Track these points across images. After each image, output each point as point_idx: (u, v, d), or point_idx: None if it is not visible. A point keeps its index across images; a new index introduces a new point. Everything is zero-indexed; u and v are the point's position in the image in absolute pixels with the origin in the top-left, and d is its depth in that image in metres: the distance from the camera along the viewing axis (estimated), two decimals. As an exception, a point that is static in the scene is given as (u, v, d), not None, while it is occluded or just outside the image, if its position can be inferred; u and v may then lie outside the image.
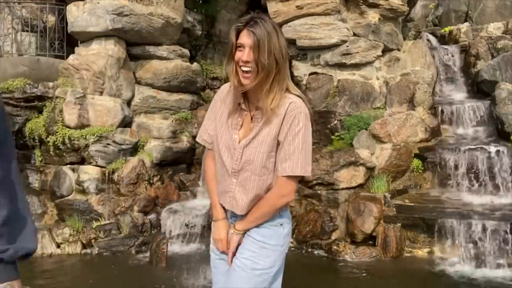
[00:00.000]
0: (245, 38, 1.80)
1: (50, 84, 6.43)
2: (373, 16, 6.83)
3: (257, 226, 1.95)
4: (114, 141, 6.26)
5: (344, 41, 6.66)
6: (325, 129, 6.48)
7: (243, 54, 1.80)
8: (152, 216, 5.91)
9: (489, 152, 5.54)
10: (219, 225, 2.02)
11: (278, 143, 1.88)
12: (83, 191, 6.06)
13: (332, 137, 6.39)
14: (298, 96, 1.92)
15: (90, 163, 6.17)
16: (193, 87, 7.27)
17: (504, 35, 7.91)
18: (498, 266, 4.59)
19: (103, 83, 6.47)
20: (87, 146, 6.13)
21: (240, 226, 1.96)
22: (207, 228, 5.30)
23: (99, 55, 6.46)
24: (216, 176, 2.05)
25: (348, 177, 5.72)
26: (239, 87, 1.86)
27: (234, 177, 1.94)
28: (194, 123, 6.91)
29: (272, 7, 6.82)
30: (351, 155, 5.80)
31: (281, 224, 1.98)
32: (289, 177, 1.88)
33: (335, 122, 6.50)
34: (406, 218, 5.16)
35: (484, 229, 4.72)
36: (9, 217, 1.18)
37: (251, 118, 1.93)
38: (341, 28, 6.69)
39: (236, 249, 1.98)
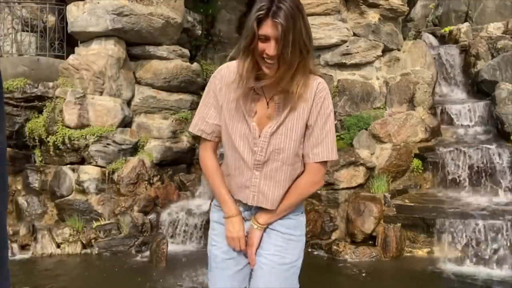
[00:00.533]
0: (270, 29, 1.59)
1: (50, 84, 6.43)
2: (373, 16, 6.83)
3: (281, 218, 1.83)
4: (114, 141, 6.25)
5: (344, 41, 6.66)
6: (325, 129, 6.48)
7: (269, 47, 1.60)
8: (152, 216, 5.91)
9: (489, 152, 5.54)
10: (234, 222, 1.83)
11: (307, 127, 1.76)
12: (83, 191, 6.05)
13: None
14: (320, 76, 1.81)
15: (90, 163, 6.17)
16: (193, 87, 7.27)
17: (504, 35, 7.92)
18: (498, 265, 4.59)
19: (103, 83, 6.47)
20: (87, 146, 6.13)
21: (263, 219, 1.81)
22: (207, 228, 5.29)
23: (99, 55, 6.46)
24: (219, 170, 1.88)
25: (348, 177, 5.72)
26: (255, 82, 1.70)
27: (257, 170, 1.77)
28: (194, 123, 6.91)
29: (272, 7, 6.82)
30: (351, 155, 5.80)
31: (302, 212, 1.90)
32: (321, 162, 1.79)
33: (335, 122, 6.50)
34: (406, 218, 5.16)
35: (484, 229, 4.72)
36: None
37: (267, 104, 1.75)
38: (341, 28, 6.69)
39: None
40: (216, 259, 1.89)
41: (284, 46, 1.58)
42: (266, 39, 1.61)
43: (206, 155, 1.90)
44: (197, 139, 6.26)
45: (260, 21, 1.60)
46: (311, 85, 1.73)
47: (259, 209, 1.82)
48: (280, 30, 1.57)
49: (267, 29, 1.59)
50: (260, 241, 1.85)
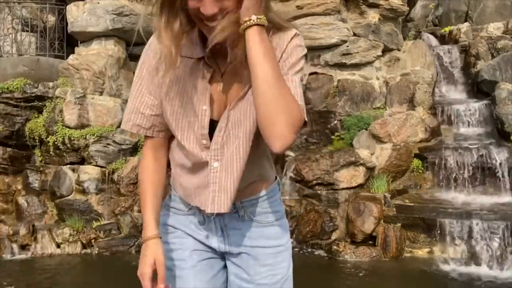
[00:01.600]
0: None
1: (50, 84, 6.43)
2: (373, 16, 6.83)
3: (264, 226, 1.45)
4: (114, 141, 6.25)
5: (344, 41, 6.66)
6: (325, 129, 6.48)
7: (204, 4, 1.16)
8: (152, 216, 5.90)
9: (489, 152, 5.53)
10: (150, 247, 1.40)
11: None
12: (83, 191, 6.05)
13: (332, 137, 6.39)
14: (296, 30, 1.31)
15: (90, 163, 6.17)
16: (193, 87, 7.28)
17: (504, 35, 7.92)
18: (498, 266, 4.59)
19: (103, 83, 6.47)
20: (87, 146, 6.13)
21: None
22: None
23: (99, 55, 6.46)
24: (155, 178, 1.44)
25: (348, 177, 5.72)
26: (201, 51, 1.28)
27: (216, 160, 1.32)
28: (194, 123, 6.92)
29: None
30: (351, 155, 5.80)
31: (283, 214, 1.51)
32: None
33: (335, 122, 6.50)
34: (406, 218, 5.16)
35: (484, 229, 4.72)
36: None
37: (221, 76, 1.31)
38: (341, 28, 6.69)
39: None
40: (184, 264, 1.47)
41: None
42: None
43: (145, 157, 1.44)
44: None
45: None
46: (283, 38, 1.27)
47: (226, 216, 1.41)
48: None
49: None
50: (242, 266, 1.46)
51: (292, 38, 1.27)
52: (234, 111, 1.29)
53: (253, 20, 1.14)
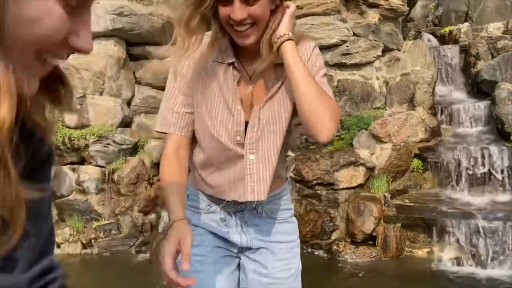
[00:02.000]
0: None
1: (50, 84, 6.43)
2: (373, 16, 6.84)
3: (279, 222, 1.59)
4: (114, 141, 6.26)
5: (344, 41, 6.66)
6: (325, 129, 6.48)
7: (233, 10, 1.28)
8: (152, 216, 5.91)
9: (489, 152, 5.54)
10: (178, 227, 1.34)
11: None
12: (83, 191, 6.06)
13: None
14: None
15: (90, 163, 6.17)
16: (193, 87, 7.28)
17: (504, 35, 7.92)
18: (498, 266, 4.59)
19: (103, 83, 6.48)
20: (87, 146, 6.14)
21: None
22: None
23: (99, 55, 6.46)
24: (179, 170, 1.45)
25: (348, 177, 5.72)
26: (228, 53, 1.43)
27: (251, 153, 1.44)
28: (194, 123, 6.92)
29: (272, 7, 6.83)
30: (351, 155, 5.80)
31: (293, 212, 1.69)
32: None
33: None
34: (406, 218, 5.16)
35: (484, 229, 4.72)
36: None
37: (250, 78, 1.46)
38: (341, 28, 6.69)
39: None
40: (206, 259, 1.55)
41: (250, 3, 1.28)
42: (229, 3, 1.29)
43: (167, 158, 1.47)
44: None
45: None
46: (305, 47, 1.46)
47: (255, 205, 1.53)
48: None
49: None
50: (260, 260, 1.59)
51: (313, 48, 1.49)
52: (264, 110, 1.45)
53: (288, 35, 1.36)
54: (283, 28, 1.36)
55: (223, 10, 1.30)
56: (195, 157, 1.54)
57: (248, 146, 1.44)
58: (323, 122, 1.34)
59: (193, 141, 1.54)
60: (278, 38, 1.36)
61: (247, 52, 1.43)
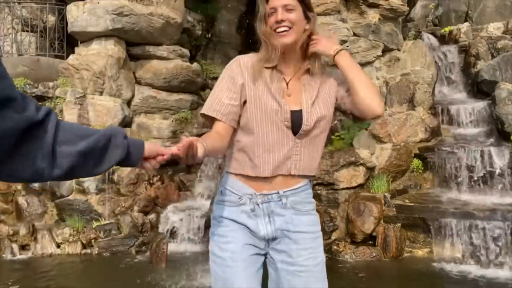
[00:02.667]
0: (276, 1, 1.76)
1: (50, 84, 6.43)
2: (373, 16, 6.83)
3: (303, 214, 1.81)
4: (114, 141, 6.25)
5: (344, 41, 6.66)
6: (325, 129, 6.48)
7: (277, 14, 1.74)
8: (152, 216, 5.91)
9: (489, 152, 5.53)
10: None
11: (341, 93, 1.89)
12: (83, 191, 6.05)
13: (332, 137, 6.38)
14: None
15: (90, 163, 6.16)
16: (193, 87, 7.27)
17: (504, 35, 7.92)
18: (498, 266, 4.59)
19: (103, 83, 6.47)
20: (87, 146, 6.13)
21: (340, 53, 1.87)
22: (207, 227, 5.30)
23: (99, 55, 6.46)
24: (214, 139, 1.71)
25: (348, 177, 5.72)
26: (276, 51, 1.79)
27: (300, 138, 1.77)
28: (194, 123, 6.91)
29: (272, 7, 6.83)
30: (351, 155, 5.80)
31: (315, 206, 1.93)
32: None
33: (335, 122, 6.50)
34: (406, 218, 5.16)
35: (484, 229, 4.71)
36: None
37: (287, 84, 1.82)
38: (341, 28, 6.69)
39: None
40: (235, 257, 1.73)
41: (290, 9, 1.73)
42: (274, 11, 1.74)
43: (208, 134, 1.77)
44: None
45: (267, 1, 1.77)
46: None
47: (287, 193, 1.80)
48: None
49: (273, 2, 1.75)
50: (286, 250, 1.79)
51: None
52: (313, 108, 1.79)
53: (340, 47, 1.88)
54: (335, 44, 1.88)
55: (270, 20, 1.75)
56: (241, 143, 1.80)
57: (299, 135, 1.77)
58: (376, 102, 1.80)
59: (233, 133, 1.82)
60: (335, 51, 1.85)
61: (284, 61, 1.82)
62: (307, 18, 1.79)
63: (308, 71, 1.85)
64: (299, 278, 1.76)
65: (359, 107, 1.82)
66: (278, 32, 1.73)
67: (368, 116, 1.82)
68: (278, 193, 1.77)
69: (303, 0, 1.77)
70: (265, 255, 1.83)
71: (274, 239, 1.80)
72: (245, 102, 1.78)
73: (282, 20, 1.72)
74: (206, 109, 1.79)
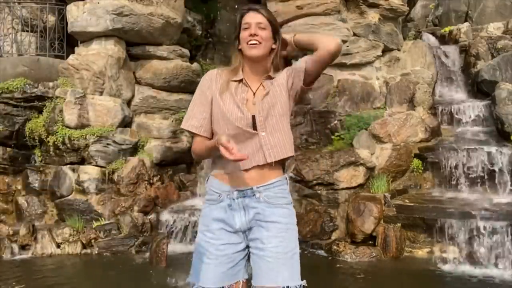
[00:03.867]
0: (251, 17, 2.03)
1: (50, 84, 6.43)
2: (373, 16, 6.84)
3: (276, 207, 1.99)
4: (114, 141, 6.26)
5: (344, 41, 6.66)
6: (325, 129, 6.48)
7: (251, 29, 2.00)
8: (152, 216, 5.91)
9: (489, 152, 5.53)
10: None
11: (291, 88, 2.09)
12: (83, 191, 6.06)
13: (332, 137, 6.39)
14: None
15: (90, 163, 6.17)
16: (193, 87, 7.20)
17: (504, 35, 7.92)
18: (498, 266, 4.59)
19: (103, 83, 6.47)
20: (87, 146, 6.14)
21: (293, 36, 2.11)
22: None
23: (99, 55, 6.46)
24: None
25: (348, 177, 5.73)
26: (249, 61, 2.05)
27: (262, 130, 2.00)
28: (194, 123, 6.91)
29: (272, 7, 6.82)
30: (351, 155, 5.80)
31: (291, 202, 2.09)
32: None
33: (335, 122, 6.50)
34: (406, 218, 5.16)
35: (484, 229, 4.72)
36: None
37: (254, 94, 2.05)
38: (341, 28, 6.69)
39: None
40: (210, 255, 2.00)
41: (262, 28, 2.01)
42: (248, 27, 2.01)
43: (197, 146, 2.12)
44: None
45: (242, 16, 2.05)
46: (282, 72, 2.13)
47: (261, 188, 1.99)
48: (259, 14, 2.03)
49: (248, 18, 2.03)
50: (258, 237, 1.97)
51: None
52: (263, 103, 2.02)
53: (293, 35, 2.16)
54: (288, 36, 2.13)
55: (244, 33, 2.02)
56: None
57: (259, 127, 2.00)
58: (331, 38, 2.04)
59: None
60: (291, 36, 2.11)
61: (252, 73, 2.08)
62: (275, 39, 2.05)
63: (269, 77, 2.08)
64: (267, 264, 1.92)
65: (320, 52, 2.01)
66: (250, 44, 2.00)
67: (326, 54, 2.00)
68: (252, 188, 1.98)
69: (272, 23, 2.04)
70: (247, 248, 2.02)
71: (249, 229, 2.00)
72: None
73: (255, 35, 1.99)
74: (183, 124, 2.11)
